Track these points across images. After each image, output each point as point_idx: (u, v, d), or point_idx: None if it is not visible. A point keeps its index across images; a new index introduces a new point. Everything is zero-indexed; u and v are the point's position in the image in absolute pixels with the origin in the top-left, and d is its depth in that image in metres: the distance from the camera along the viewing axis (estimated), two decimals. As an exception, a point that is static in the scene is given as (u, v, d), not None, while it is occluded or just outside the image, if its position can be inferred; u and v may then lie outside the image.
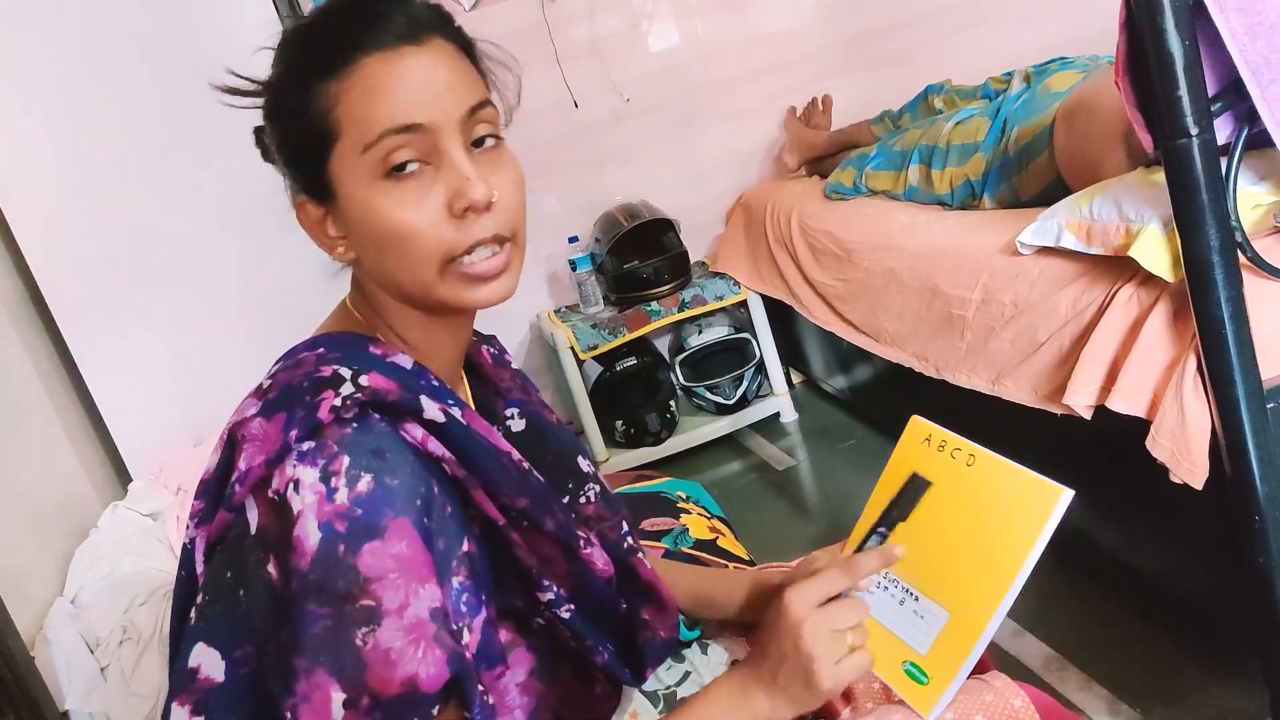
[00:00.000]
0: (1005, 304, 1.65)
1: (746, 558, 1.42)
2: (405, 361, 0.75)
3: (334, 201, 0.74)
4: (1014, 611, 0.78)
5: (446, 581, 0.69)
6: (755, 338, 2.93)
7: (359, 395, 0.68)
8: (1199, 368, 1.24)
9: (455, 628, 0.69)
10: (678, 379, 2.95)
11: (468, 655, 0.69)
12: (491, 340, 0.97)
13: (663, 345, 3.08)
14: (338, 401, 0.67)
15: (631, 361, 2.87)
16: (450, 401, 0.74)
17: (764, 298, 2.85)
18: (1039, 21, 2.98)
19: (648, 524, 1.49)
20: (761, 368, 2.98)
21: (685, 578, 1.07)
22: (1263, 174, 1.25)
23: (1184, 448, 1.26)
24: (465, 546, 0.71)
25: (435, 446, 0.71)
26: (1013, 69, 2.29)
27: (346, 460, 0.66)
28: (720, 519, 1.62)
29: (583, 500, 0.88)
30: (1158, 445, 1.29)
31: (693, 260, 2.98)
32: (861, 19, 3.14)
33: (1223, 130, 1.18)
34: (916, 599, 0.82)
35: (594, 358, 2.85)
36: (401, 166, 0.70)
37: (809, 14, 3.14)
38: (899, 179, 2.31)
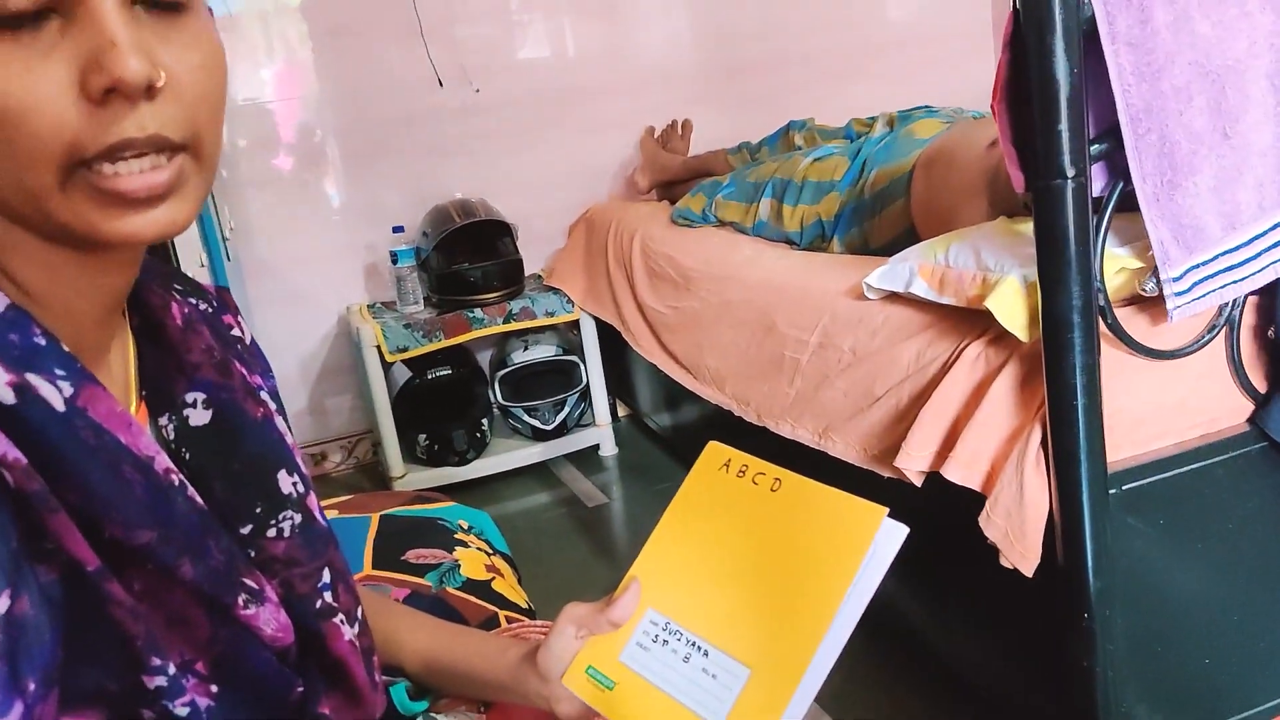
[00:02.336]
0: (844, 350, 1.51)
1: (524, 605, 1.20)
2: None
3: None
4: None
5: None
6: (584, 362, 2.73)
7: None
8: (1043, 441, 1.11)
9: None
10: (495, 396, 2.71)
11: None
12: (201, 292, 0.69)
13: (485, 360, 2.85)
14: None
15: (446, 371, 2.62)
16: (57, 371, 0.49)
17: (598, 322, 2.66)
18: (913, 82, 2.96)
19: (414, 555, 1.25)
20: (586, 395, 2.78)
21: (424, 636, 0.83)
22: (1128, 238, 1.14)
23: (1018, 529, 1.13)
24: (3, 603, 0.44)
25: None
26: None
27: None
28: (504, 556, 1.39)
29: (271, 533, 0.61)
30: (991, 523, 1.15)
31: (528, 272, 2.76)
32: (735, 51, 3.06)
33: (1097, 181, 1.06)
34: (706, 654, 0.66)
35: (404, 361, 2.58)
36: (17, 12, 0.44)
37: (682, 36, 3.03)
38: (749, 211, 2.18)
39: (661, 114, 2.94)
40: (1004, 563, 1.15)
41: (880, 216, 1.82)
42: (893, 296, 1.45)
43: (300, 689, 0.59)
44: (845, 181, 1.93)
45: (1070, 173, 0.99)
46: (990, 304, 1.15)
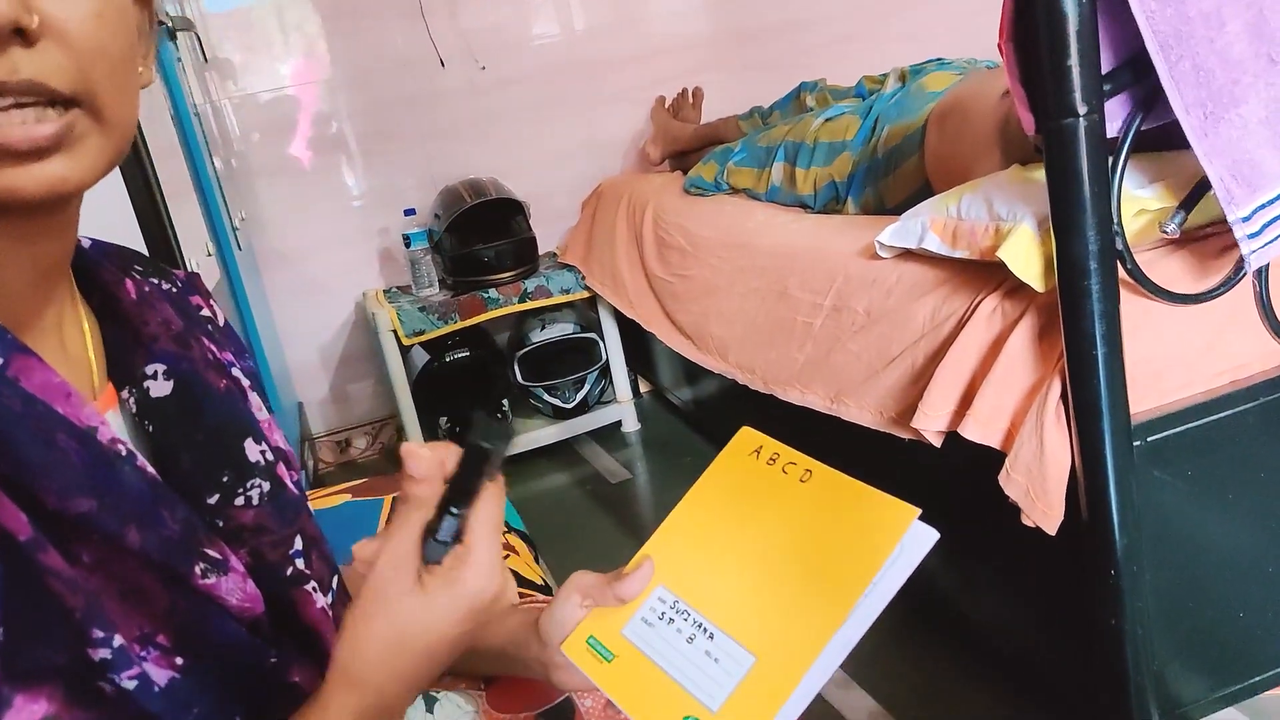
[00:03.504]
0: (858, 312, 1.46)
1: (540, 582, 1.19)
2: None
3: None
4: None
5: None
6: (603, 339, 2.71)
7: None
8: (1063, 394, 1.07)
9: None
10: (515, 376, 2.70)
11: None
12: (164, 273, 0.67)
13: (504, 340, 2.83)
14: None
15: (464, 353, 2.60)
16: None
17: (617, 296, 2.63)
18: (922, 41, 2.88)
19: (426, 535, 1.24)
20: (606, 372, 2.75)
21: None
22: (1152, 177, 1.09)
23: (1039, 486, 1.09)
24: None
25: None
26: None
27: None
28: (520, 534, 1.38)
29: (239, 502, 0.59)
30: (1011, 481, 1.12)
31: (542, 250, 2.73)
32: (744, 16, 3.00)
33: (1112, 120, 1.01)
34: (711, 636, 0.64)
35: (422, 345, 2.57)
36: None
37: (691, 3, 2.96)
38: (762, 177, 2.13)
39: (672, 84, 2.90)
40: (1026, 521, 1.11)
41: (894, 175, 1.77)
42: (907, 255, 1.41)
43: (274, 659, 0.57)
44: (857, 141, 1.88)
45: (1082, 110, 0.95)
46: (1003, 254, 1.11)
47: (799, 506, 0.67)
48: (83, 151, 0.47)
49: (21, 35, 0.43)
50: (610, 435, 2.78)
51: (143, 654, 0.50)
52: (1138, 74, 0.98)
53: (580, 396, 2.70)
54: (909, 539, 0.62)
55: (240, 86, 2.62)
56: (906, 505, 0.63)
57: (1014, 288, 1.18)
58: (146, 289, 0.63)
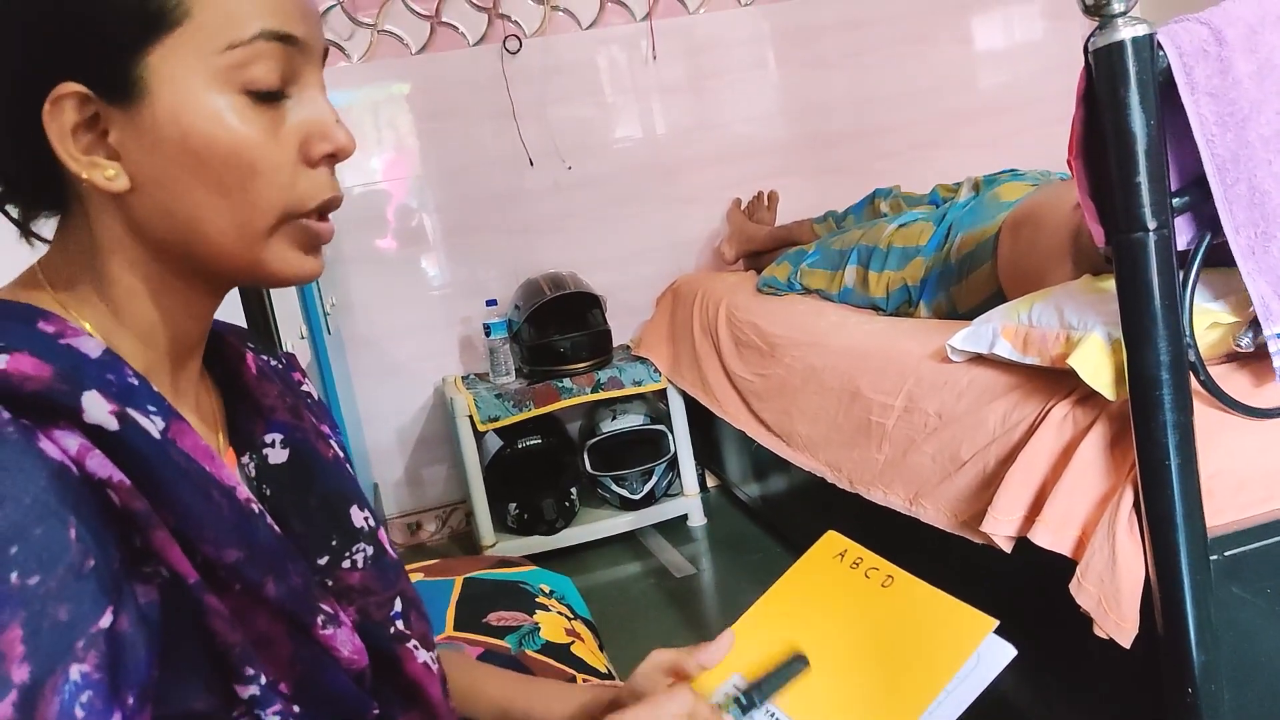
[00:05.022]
0: (929, 414, 1.48)
1: (604, 670, 1.20)
2: (91, 348, 0.53)
3: (137, 106, 0.54)
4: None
5: (59, 669, 0.46)
6: (671, 431, 2.74)
7: None
8: (1135, 504, 1.07)
9: None
10: (584, 465, 2.73)
11: None
12: (272, 350, 0.75)
13: (575, 429, 2.88)
14: None
15: (536, 440, 2.66)
16: (150, 408, 0.53)
17: (685, 392, 2.67)
18: (998, 149, 2.93)
19: (494, 618, 1.27)
20: (674, 465, 2.77)
21: (495, 684, 0.85)
22: (1220, 292, 1.10)
23: (1112, 597, 1.08)
24: (106, 620, 0.48)
25: (99, 465, 0.49)
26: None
27: None
28: (585, 621, 1.39)
29: (346, 564, 0.65)
30: (1083, 590, 1.10)
31: (616, 342, 2.80)
32: (821, 122, 3.08)
33: (1183, 235, 1.03)
34: None
35: (495, 431, 2.64)
36: (272, 83, 0.56)
37: (770, 109, 3.07)
38: (835, 279, 2.17)
39: (749, 185, 2.98)
40: (1099, 633, 1.10)
41: (967, 281, 1.79)
42: (977, 359, 1.42)
43: (376, 711, 0.61)
44: (930, 246, 1.91)
45: (1151, 225, 0.97)
46: (1073, 362, 1.12)
47: (879, 611, 0.70)
48: None
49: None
50: (677, 528, 2.78)
51: (272, 694, 0.55)
52: (1206, 192, 1.00)
53: (648, 488, 2.72)
54: (985, 650, 0.64)
55: (342, 181, 2.78)
56: (984, 616, 0.65)
57: (1085, 395, 1.19)
58: (262, 364, 0.70)
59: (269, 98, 0.56)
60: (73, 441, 0.49)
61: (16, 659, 0.43)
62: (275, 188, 0.56)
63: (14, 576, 0.44)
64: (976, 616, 0.65)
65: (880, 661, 0.67)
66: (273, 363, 0.74)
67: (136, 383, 0.54)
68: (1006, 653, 0.64)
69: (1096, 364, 1.11)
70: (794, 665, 0.70)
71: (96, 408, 0.50)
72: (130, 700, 0.48)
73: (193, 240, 0.57)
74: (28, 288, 0.58)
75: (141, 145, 0.55)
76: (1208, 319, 1.08)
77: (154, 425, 0.53)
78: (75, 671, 0.46)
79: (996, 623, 0.64)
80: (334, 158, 0.59)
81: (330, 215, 0.61)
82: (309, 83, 0.58)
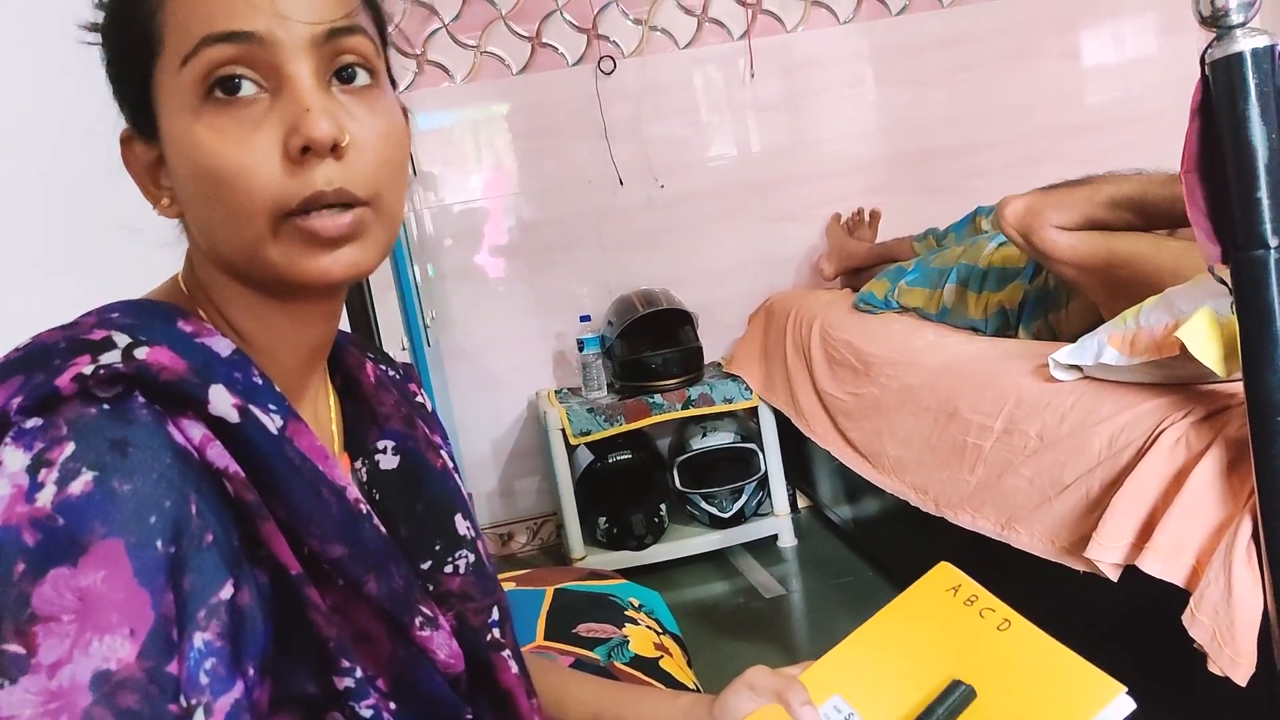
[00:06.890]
0: (1030, 436, 1.44)
1: (692, 685, 1.20)
2: (222, 347, 0.57)
3: (160, 136, 0.58)
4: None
5: (184, 636, 0.49)
6: (762, 450, 2.72)
7: (120, 367, 0.50)
8: (1254, 534, 1.02)
9: (186, 705, 0.48)
10: (674, 482, 2.74)
11: None
12: (391, 361, 0.78)
13: (665, 445, 2.89)
14: (88, 369, 0.49)
15: (626, 455, 2.67)
16: (270, 406, 0.56)
17: (777, 411, 2.65)
18: (1105, 166, 2.83)
19: (584, 629, 1.28)
20: (765, 484, 2.75)
21: (589, 691, 0.85)
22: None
23: (1227, 631, 1.03)
24: (227, 592, 0.51)
25: (217, 455, 0.52)
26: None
27: (70, 448, 0.47)
28: (674, 636, 1.39)
29: (448, 570, 0.67)
30: (1196, 623, 1.06)
31: (707, 360, 2.80)
32: (920, 139, 3.03)
33: (1307, 252, 0.98)
34: None
35: (587, 445, 2.66)
36: (229, 86, 0.54)
37: (869, 126, 3.04)
38: (933, 297, 2.13)
39: (846, 202, 2.95)
40: (1213, 669, 1.05)
41: (1068, 308, 1.74)
42: (1083, 380, 1.38)
43: (469, 716, 0.62)
44: (1029, 271, 1.87)
45: (1274, 243, 0.93)
46: (1181, 334, 1.07)
47: (992, 654, 0.68)
48: (370, 241, 0.58)
49: (333, 151, 0.55)
50: (766, 548, 2.75)
51: (368, 688, 0.56)
52: (1335, 207, 0.95)
53: (737, 506, 2.70)
54: (1107, 714, 0.61)
55: (439, 198, 2.86)
56: (1111, 680, 0.62)
57: (1199, 417, 1.14)
58: (380, 374, 0.73)
59: (234, 102, 0.54)
60: (196, 431, 0.52)
61: (123, 628, 0.46)
62: (254, 192, 0.54)
63: (159, 544, 0.48)
64: (1102, 679, 0.63)
65: (991, 707, 0.65)
66: (390, 373, 0.77)
67: (260, 382, 0.57)
68: (1125, 706, 0.62)
69: (1205, 336, 1.07)
70: (958, 694, 0.66)
71: (221, 400, 0.53)
72: (251, 671, 0.50)
73: (220, 254, 0.59)
74: (171, 294, 0.63)
75: (168, 173, 0.59)
76: (1334, 341, 1.02)
77: (272, 422, 0.55)
78: (199, 639, 0.49)
79: (1124, 688, 0.62)
80: (312, 151, 0.54)
81: (344, 209, 0.56)
82: (288, 75, 0.55)
